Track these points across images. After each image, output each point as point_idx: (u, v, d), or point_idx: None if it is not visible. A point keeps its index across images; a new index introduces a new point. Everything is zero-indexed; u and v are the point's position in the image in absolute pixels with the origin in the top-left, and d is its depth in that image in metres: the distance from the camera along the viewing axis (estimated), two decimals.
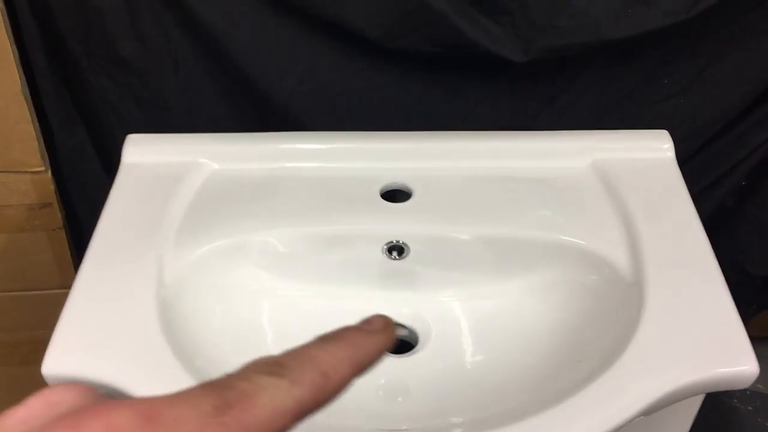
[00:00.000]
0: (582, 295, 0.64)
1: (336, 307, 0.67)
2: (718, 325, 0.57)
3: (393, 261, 0.67)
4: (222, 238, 0.65)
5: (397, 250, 0.67)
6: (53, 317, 0.58)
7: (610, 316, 0.61)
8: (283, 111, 0.77)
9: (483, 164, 0.72)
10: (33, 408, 0.23)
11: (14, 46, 0.72)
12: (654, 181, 0.69)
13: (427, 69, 0.74)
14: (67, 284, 0.60)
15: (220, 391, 0.22)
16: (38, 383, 0.54)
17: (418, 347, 0.65)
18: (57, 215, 0.83)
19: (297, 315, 0.66)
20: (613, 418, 0.51)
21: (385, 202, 0.69)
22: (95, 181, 0.82)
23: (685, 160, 0.75)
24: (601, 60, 0.74)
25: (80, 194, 0.84)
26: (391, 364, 0.64)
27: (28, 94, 0.75)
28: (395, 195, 0.71)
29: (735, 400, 1.12)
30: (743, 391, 1.10)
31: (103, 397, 0.23)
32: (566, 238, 0.65)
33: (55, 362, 0.54)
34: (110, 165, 0.74)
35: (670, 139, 0.72)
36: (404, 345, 0.66)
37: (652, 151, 0.72)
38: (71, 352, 0.55)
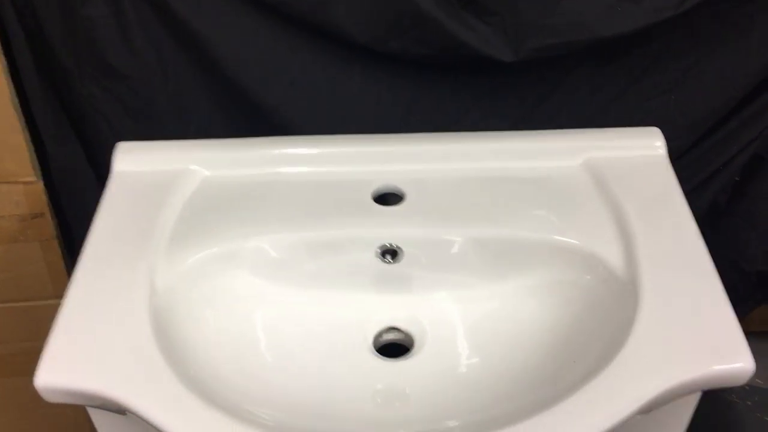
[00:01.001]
0: (576, 295, 0.63)
1: (330, 313, 0.67)
2: (713, 323, 0.57)
3: (387, 264, 0.66)
4: (214, 246, 0.64)
5: (390, 253, 0.67)
6: (47, 327, 0.58)
7: (605, 315, 0.60)
8: (273, 116, 0.76)
9: (475, 165, 0.72)
10: None
11: (2, 55, 0.71)
12: (647, 179, 0.69)
13: (417, 71, 0.74)
14: (60, 294, 0.60)
15: None
16: (33, 394, 0.54)
17: (413, 351, 0.65)
18: (49, 225, 0.83)
19: (291, 321, 0.65)
20: (611, 418, 0.50)
21: (378, 205, 0.69)
22: (87, 190, 0.81)
23: (677, 157, 0.75)
24: (592, 58, 0.74)
25: (72, 204, 0.84)
26: (387, 368, 0.63)
27: (18, 104, 0.74)
28: (388, 198, 0.70)
29: (733, 396, 1.12)
30: (742, 387, 1.09)
31: None
32: (560, 238, 0.64)
33: (48, 374, 0.54)
34: (102, 174, 0.74)
35: (662, 136, 0.72)
36: (400, 349, 0.65)
37: (645, 148, 0.72)
38: (64, 364, 0.55)
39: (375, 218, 0.67)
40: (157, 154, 0.72)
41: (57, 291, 0.87)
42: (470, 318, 0.66)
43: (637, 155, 0.71)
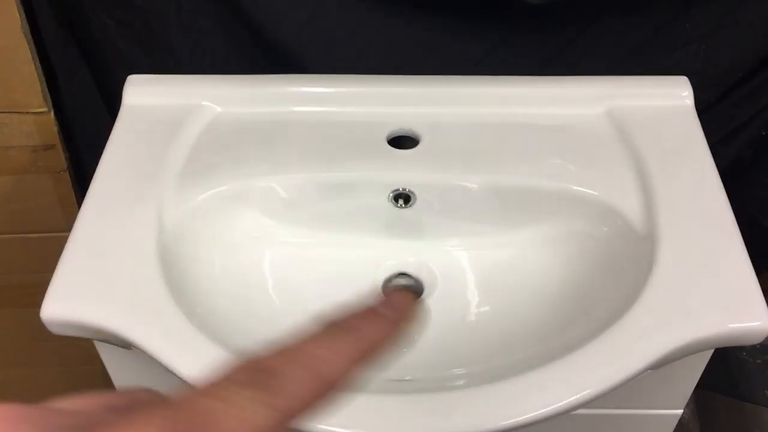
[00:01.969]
0: (592, 247, 0.62)
1: (339, 256, 0.66)
2: (731, 280, 0.55)
3: (399, 209, 0.65)
4: (224, 184, 0.63)
5: (403, 198, 0.66)
6: (57, 260, 0.58)
7: (621, 269, 0.59)
8: (289, 54, 0.74)
9: (494, 110, 0.70)
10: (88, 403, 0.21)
11: None
12: (671, 130, 0.67)
13: (438, 11, 0.72)
14: (71, 227, 0.60)
15: (179, 412, 0.20)
16: (43, 325, 0.54)
17: (423, 297, 0.64)
18: (61, 157, 0.82)
19: (300, 263, 0.65)
20: (621, 373, 0.50)
21: (392, 148, 0.67)
22: (99, 123, 0.80)
23: (704, 108, 0.73)
24: (621, 2, 0.71)
25: (84, 136, 0.83)
26: None
27: (29, 33, 0.73)
28: (402, 142, 0.69)
29: (744, 354, 1.12)
30: (753, 345, 1.09)
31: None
32: (578, 188, 0.63)
33: (54, 306, 0.54)
34: (114, 108, 0.73)
35: (690, 86, 0.70)
36: None
37: (670, 98, 0.70)
38: (70, 296, 0.55)
39: (389, 161, 0.66)
40: (169, 89, 0.70)
41: (68, 224, 0.86)
42: (482, 266, 0.66)
43: (662, 105, 0.69)
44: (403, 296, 0.25)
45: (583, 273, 0.62)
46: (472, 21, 0.73)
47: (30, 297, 0.95)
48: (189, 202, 0.62)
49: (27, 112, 0.77)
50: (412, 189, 0.65)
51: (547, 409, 0.48)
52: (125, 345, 0.54)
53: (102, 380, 0.70)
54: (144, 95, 0.70)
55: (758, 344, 1.06)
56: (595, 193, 0.62)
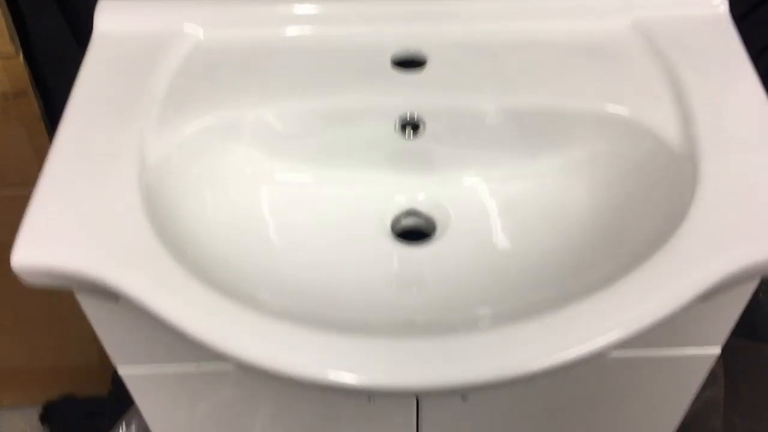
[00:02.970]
0: (624, 173, 0.58)
1: (342, 194, 0.62)
2: None
3: (406, 141, 0.61)
4: (211, 115, 0.59)
5: (411, 126, 0.61)
6: None
7: (658, 194, 0.55)
8: None
9: (507, 26, 0.66)
10: None
11: None
12: (705, 40, 0.63)
13: None
14: None
15: None
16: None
17: (435, 236, 0.61)
18: (33, 104, 0.79)
19: (298, 201, 0.61)
20: (665, 307, 0.46)
21: (397, 71, 0.63)
22: (73, 65, 0.76)
23: (741, 16, 0.67)
24: None
25: (57, 81, 0.79)
26: (404, 254, 0.59)
27: None
28: (408, 64, 0.64)
29: (761, 295, 1.09)
30: None
31: None
32: (605, 108, 0.59)
33: (25, 252, 0.50)
34: (87, 46, 0.69)
35: None
36: (419, 234, 0.61)
37: (702, 5, 0.65)
38: (43, 241, 0.50)
39: (393, 85, 0.62)
40: (146, 12, 0.66)
41: None
42: (500, 200, 0.61)
43: (693, 13, 0.65)
44: None
45: (615, 201, 0.58)
46: None
47: (7, 255, 0.91)
48: (174, 136, 0.58)
49: None
50: (421, 115, 0.61)
51: (587, 345, 0.44)
52: (110, 296, 0.50)
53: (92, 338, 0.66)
54: (118, 21, 0.65)
55: None
56: (626, 113, 0.58)
